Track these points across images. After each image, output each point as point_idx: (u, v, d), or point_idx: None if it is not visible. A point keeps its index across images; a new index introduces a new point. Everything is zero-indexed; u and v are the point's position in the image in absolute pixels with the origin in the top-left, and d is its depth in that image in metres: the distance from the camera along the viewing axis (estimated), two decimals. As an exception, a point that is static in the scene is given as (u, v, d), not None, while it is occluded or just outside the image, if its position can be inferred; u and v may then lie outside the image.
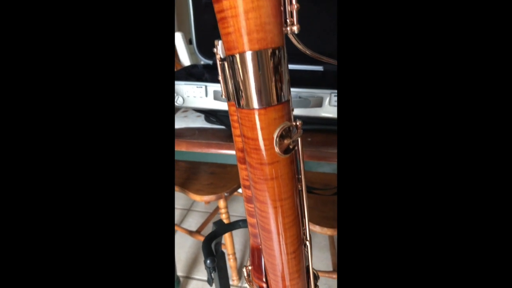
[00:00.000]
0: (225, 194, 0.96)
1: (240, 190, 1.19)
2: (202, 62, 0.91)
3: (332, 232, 0.77)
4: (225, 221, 1.03)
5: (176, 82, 0.69)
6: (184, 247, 1.21)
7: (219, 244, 0.57)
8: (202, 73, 0.84)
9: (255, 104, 0.20)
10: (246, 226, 0.63)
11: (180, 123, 0.75)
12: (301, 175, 0.24)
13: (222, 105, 0.69)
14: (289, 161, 0.23)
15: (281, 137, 0.21)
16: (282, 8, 0.19)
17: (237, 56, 0.19)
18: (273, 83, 0.20)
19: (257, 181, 0.23)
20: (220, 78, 0.25)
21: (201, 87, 0.70)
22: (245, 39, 0.19)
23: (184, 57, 1.15)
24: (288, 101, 0.21)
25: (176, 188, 1.00)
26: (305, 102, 0.64)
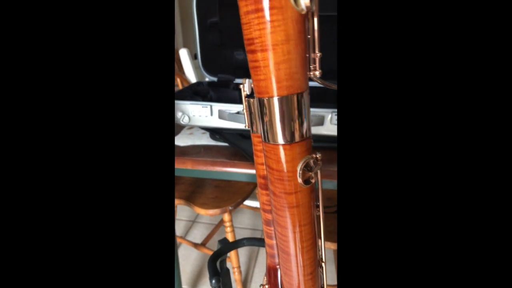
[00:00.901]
0: (230, 208, 0.98)
1: (245, 203, 1.21)
2: (207, 79, 0.93)
3: (335, 246, 0.79)
4: (230, 234, 1.04)
5: (182, 102, 0.71)
6: (189, 259, 1.22)
7: (223, 262, 0.59)
8: (207, 91, 0.87)
9: (281, 140, 0.23)
10: (250, 244, 0.65)
11: (186, 140, 0.77)
12: (319, 202, 0.26)
13: (227, 124, 0.72)
14: (309, 191, 0.25)
15: (304, 169, 0.23)
16: (307, 56, 0.21)
17: (267, 99, 0.22)
18: (298, 123, 0.22)
19: (279, 208, 0.25)
20: (245, 111, 0.28)
21: (207, 107, 0.72)
22: (275, 86, 0.21)
23: (189, 71, 1.18)
24: (310, 137, 0.24)
25: (182, 202, 1.02)
26: (308, 121, 0.66)
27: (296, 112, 0.22)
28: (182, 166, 0.69)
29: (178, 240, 1.18)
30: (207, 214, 0.98)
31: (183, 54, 1.15)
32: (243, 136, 0.75)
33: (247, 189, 1.04)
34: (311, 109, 0.66)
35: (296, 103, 0.22)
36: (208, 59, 0.92)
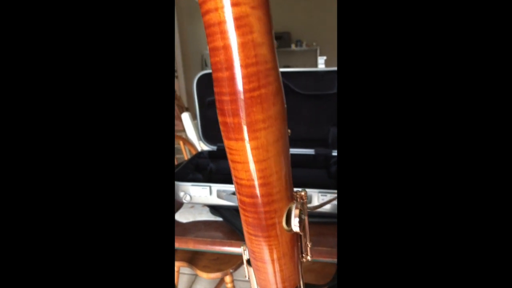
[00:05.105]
0: (230, 270, 1.01)
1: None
2: (207, 148, 1.00)
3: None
4: (231, 294, 1.07)
5: (184, 184, 0.77)
6: (192, 317, 1.24)
7: None
8: (207, 164, 0.94)
9: None
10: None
11: (187, 216, 0.82)
12: None
13: (224, 202, 0.77)
14: None
15: None
16: (299, 247, 0.24)
17: None
18: None
19: None
20: (246, 270, 0.30)
21: (206, 188, 0.78)
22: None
23: (190, 132, 1.25)
24: None
25: (184, 264, 1.06)
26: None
27: None
28: (184, 245, 0.75)
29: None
30: (208, 278, 1.01)
31: (185, 118, 1.23)
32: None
33: (247, 251, 1.08)
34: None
35: None
36: (208, 131, 1.00)
